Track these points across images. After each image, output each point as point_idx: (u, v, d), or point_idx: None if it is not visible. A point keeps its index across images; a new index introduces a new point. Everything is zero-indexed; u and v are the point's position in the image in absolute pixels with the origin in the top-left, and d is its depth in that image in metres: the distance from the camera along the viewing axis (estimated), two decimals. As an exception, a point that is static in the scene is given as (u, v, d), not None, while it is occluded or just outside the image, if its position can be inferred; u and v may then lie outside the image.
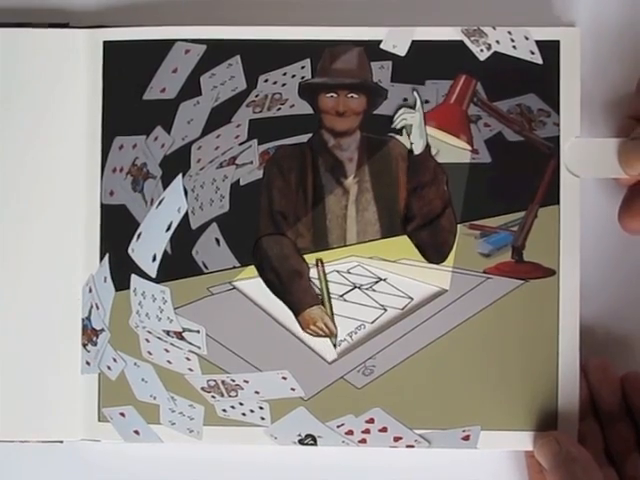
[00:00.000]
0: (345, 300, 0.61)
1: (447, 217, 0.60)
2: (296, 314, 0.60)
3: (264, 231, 0.61)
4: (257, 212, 0.60)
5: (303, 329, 0.60)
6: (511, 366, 0.60)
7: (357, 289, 0.61)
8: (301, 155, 0.60)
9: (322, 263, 0.60)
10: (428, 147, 0.60)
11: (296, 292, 0.60)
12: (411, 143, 0.60)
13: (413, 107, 0.60)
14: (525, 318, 0.60)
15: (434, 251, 0.60)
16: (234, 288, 0.61)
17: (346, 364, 0.61)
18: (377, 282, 0.61)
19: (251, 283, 0.61)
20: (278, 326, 0.61)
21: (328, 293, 0.60)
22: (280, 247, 0.60)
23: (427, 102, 0.61)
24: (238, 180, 0.61)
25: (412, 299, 0.61)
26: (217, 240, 0.61)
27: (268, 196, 0.60)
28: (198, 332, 0.61)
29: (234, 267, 0.61)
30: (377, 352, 0.60)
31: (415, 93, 0.60)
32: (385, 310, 0.61)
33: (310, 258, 0.61)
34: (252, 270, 0.61)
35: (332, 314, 0.60)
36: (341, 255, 0.61)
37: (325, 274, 0.60)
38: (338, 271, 0.61)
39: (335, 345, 0.59)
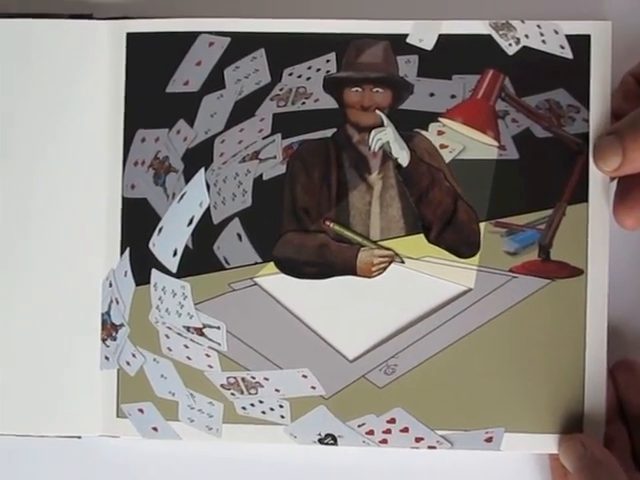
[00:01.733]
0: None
1: (462, 209, 0.60)
2: (354, 273, 0.59)
3: (287, 227, 0.61)
4: (280, 208, 0.61)
5: (370, 277, 0.59)
6: (536, 367, 0.60)
7: None
8: (325, 150, 0.60)
9: (328, 218, 0.60)
10: (413, 153, 0.60)
11: (335, 259, 0.60)
12: (396, 158, 0.60)
13: (382, 125, 0.60)
14: (551, 318, 0.59)
15: (464, 246, 0.60)
16: (255, 284, 0.61)
17: (368, 363, 0.61)
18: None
19: (273, 279, 0.61)
20: (299, 323, 0.60)
21: (359, 234, 0.60)
22: (300, 241, 0.61)
23: (454, 97, 0.61)
24: (261, 175, 0.61)
25: (436, 297, 0.61)
26: (239, 235, 0.61)
27: (291, 191, 0.60)
28: (218, 328, 0.61)
29: (256, 263, 0.61)
30: (400, 351, 0.60)
31: (378, 111, 0.61)
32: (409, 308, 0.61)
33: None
34: (273, 266, 0.61)
35: (376, 244, 0.60)
36: None
37: (342, 225, 0.60)
38: None
39: (403, 261, 0.59)
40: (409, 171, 0.59)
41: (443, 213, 0.60)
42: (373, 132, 0.59)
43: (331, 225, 0.59)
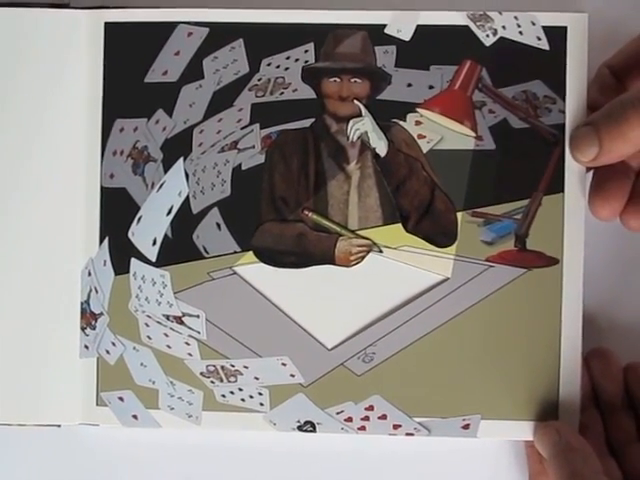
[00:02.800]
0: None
1: (439, 199, 0.60)
2: (332, 262, 0.60)
3: (266, 217, 0.61)
4: (258, 197, 0.61)
5: (348, 266, 0.60)
6: (512, 355, 0.60)
7: None
8: (303, 140, 0.60)
9: (307, 208, 0.60)
10: (391, 144, 0.60)
11: (314, 248, 0.60)
12: (373, 148, 0.60)
13: (360, 115, 0.60)
14: (527, 307, 0.60)
15: (441, 235, 0.61)
16: (235, 273, 0.61)
17: (346, 351, 0.61)
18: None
19: (252, 268, 0.61)
20: (278, 312, 0.61)
21: (336, 223, 0.60)
22: (279, 231, 0.61)
23: (432, 88, 0.61)
24: (240, 164, 0.61)
25: (413, 287, 0.61)
26: (218, 225, 0.61)
27: (270, 181, 0.61)
28: (198, 317, 0.61)
29: (235, 252, 0.61)
30: (378, 339, 0.61)
31: (356, 101, 0.61)
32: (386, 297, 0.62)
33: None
34: (252, 256, 0.62)
35: (354, 233, 0.60)
36: None
37: (320, 214, 0.61)
38: None
39: (381, 250, 0.60)
40: (387, 161, 0.60)
41: (420, 203, 0.60)
42: (351, 122, 0.59)
43: (309, 214, 0.60)
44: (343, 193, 0.61)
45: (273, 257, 0.61)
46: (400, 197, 0.60)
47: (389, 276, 0.61)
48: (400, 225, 0.61)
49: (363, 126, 0.59)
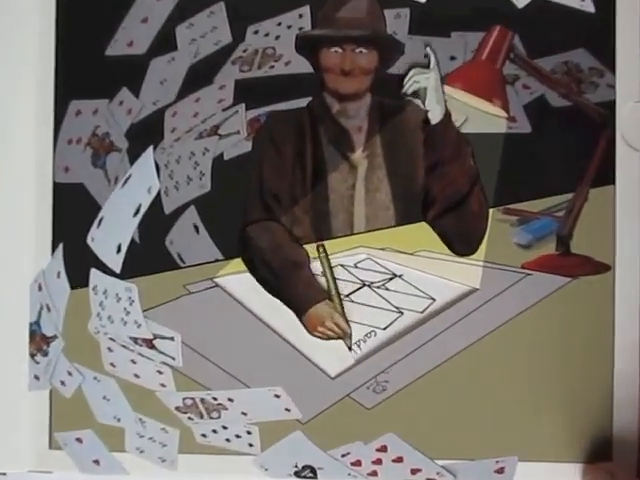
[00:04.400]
0: (352, 301, 0.58)
1: (475, 198, 0.56)
2: (299, 314, 0.57)
3: (253, 217, 0.58)
4: (245, 193, 0.58)
5: (310, 332, 0.57)
6: (555, 384, 0.56)
7: (366, 287, 0.58)
8: (299, 123, 0.57)
9: (324, 248, 0.57)
10: (448, 114, 0.56)
11: (296, 287, 0.57)
12: (427, 111, 0.56)
13: (427, 66, 0.56)
14: (572, 324, 0.56)
15: (462, 241, 0.57)
16: (216, 285, 0.58)
17: (353, 379, 0.58)
18: (391, 279, 0.58)
19: (237, 279, 0.58)
20: (270, 332, 0.58)
21: (335, 284, 0.57)
22: (272, 236, 0.58)
23: (453, 59, 0.57)
24: (222, 154, 0.58)
25: (434, 300, 0.57)
26: (196, 227, 0.58)
27: (258, 173, 0.58)
28: (172, 339, 0.58)
29: (216, 260, 0.58)
30: (391, 365, 0.58)
31: (429, 49, 0.56)
32: (401, 313, 0.57)
33: (308, 250, 0.58)
34: (239, 264, 0.58)
35: (342, 309, 0.57)
36: (347, 246, 0.58)
37: (329, 261, 0.57)
38: (343, 265, 0.58)
39: (350, 347, 0.57)
40: (436, 131, 0.56)
41: (453, 194, 0.57)
42: (413, 71, 0.55)
43: (321, 253, 0.57)
44: (347, 187, 0.57)
45: (263, 267, 0.58)
46: (433, 178, 0.57)
47: (404, 288, 0.57)
48: (417, 226, 0.57)
49: (426, 81, 0.55)
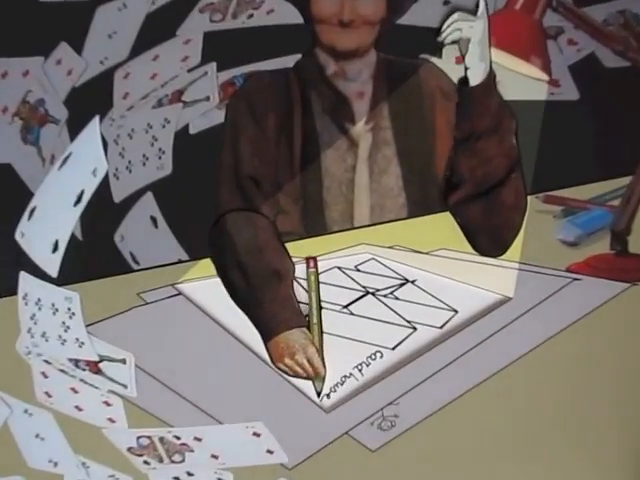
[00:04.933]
0: (351, 313, 0.52)
1: (512, 185, 0.51)
2: (266, 337, 0.51)
3: (226, 205, 0.51)
4: (216, 176, 0.52)
5: (274, 362, 0.52)
6: (610, 416, 0.53)
7: (370, 296, 0.52)
8: (284, 88, 0.51)
9: (315, 262, 0.51)
10: (492, 75, 0.50)
11: (270, 303, 0.51)
12: (466, 68, 0.50)
13: (473, 13, 0.50)
14: (630, 339, 0.52)
15: (491, 237, 0.51)
16: (180, 294, 0.52)
17: (353, 413, 0.52)
18: (402, 285, 0.53)
19: (206, 286, 0.52)
20: (248, 354, 0.52)
21: (319, 311, 0.52)
22: (251, 231, 0.52)
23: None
24: (186, 126, 0.52)
25: (456, 312, 0.52)
26: (153, 220, 0.52)
27: (233, 151, 0.51)
28: (123, 362, 0.52)
29: (180, 261, 0.52)
30: (401, 395, 0.52)
31: None
32: (414, 329, 0.52)
33: (296, 249, 0.51)
34: (208, 266, 0.52)
35: (321, 343, 0.51)
36: (346, 243, 0.52)
37: (318, 282, 0.52)
38: (341, 268, 0.52)
39: (319, 393, 0.52)
40: (474, 95, 0.50)
41: (485, 177, 0.51)
42: (455, 16, 0.50)
43: (311, 268, 0.51)
44: (346, 169, 0.51)
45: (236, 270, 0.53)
46: (464, 152, 0.51)
47: (419, 296, 0.52)
48: (435, 219, 0.52)
49: (470, 30, 0.50)
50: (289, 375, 0.53)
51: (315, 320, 0.53)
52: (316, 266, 0.53)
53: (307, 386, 0.53)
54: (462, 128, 0.52)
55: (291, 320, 0.52)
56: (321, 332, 0.52)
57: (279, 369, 0.54)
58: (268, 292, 0.53)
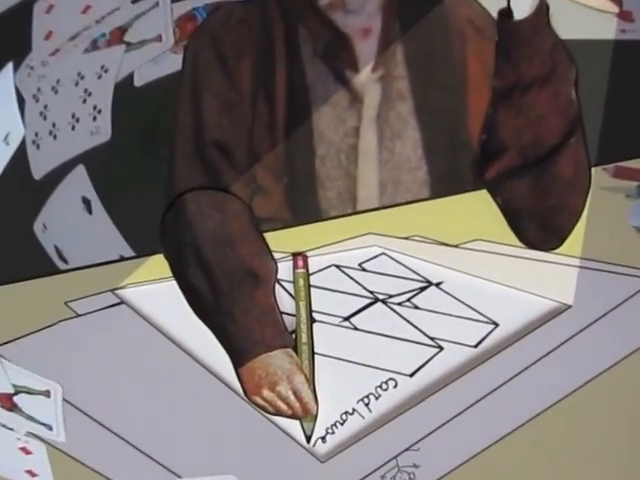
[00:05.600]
0: (355, 328, 0.43)
1: (572, 154, 0.42)
2: (237, 363, 0.43)
3: (185, 183, 0.43)
4: (172, 143, 0.44)
5: (247, 395, 0.43)
6: None
7: (381, 304, 0.43)
8: (262, 24, 0.44)
9: (305, 260, 0.43)
10: (544, 7, 0.42)
11: (243, 317, 0.43)
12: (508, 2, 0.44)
13: None
14: None
15: (542, 224, 0.43)
16: (121, 302, 0.44)
17: (356, 463, 0.44)
18: (423, 290, 0.43)
19: (157, 292, 0.44)
20: (214, 381, 0.43)
21: (309, 322, 0.43)
22: (218, 217, 0.43)
23: None
24: (130, 76, 0.44)
25: (496, 325, 0.43)
26: (86, 202, 0.44)
27: (194, 109, 0.43)
28: (47, 395, 0.44)
29: (123, 259, 0.44)
30: (423, 437, 0.43)
31: None
32: (440, 349, 0.43)
33: (279, 241, 0.43)
34: (159, 265, 0.43)
35: (312, 369, 0.43)
36: (347, 233, 0.44)
37: (308, 282, 0.44)
38: (340, 267, 0.44)
39: (309, 437, 0.43)
40: (520, 33, 0.42)
41: (535, 142, 0.42)
42: None
43: (300, 271, 0.43)
44: (347, 133, 0.43)
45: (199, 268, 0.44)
46: (506, 110, 0.42)
47: (446, 304, 0.43)
48: (467, 198, 0.44)
49: None
50: (268, 412, 0.44)
51: (304, 338, 0.44)
52: (306, 265, 0.44)
53: (294, 427, 0.44)
54: (503, 77, 0.45)
55: (272, 338, 0.43)
56: (312, 354, 0.44)
57: (255, 404, 0.45)
58: (240, 300, 0.44)
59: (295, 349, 0.44)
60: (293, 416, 0.43)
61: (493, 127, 0.44)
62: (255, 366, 0.43)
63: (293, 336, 0.45)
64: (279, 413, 0.44)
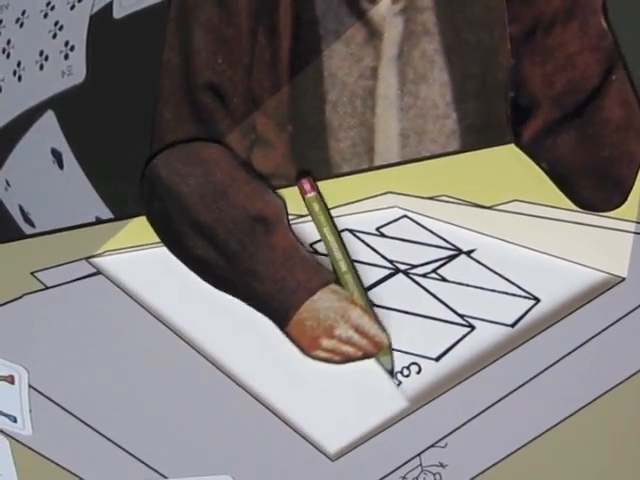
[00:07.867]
0: (373, 304, 0.39)
1: (616, 92, 0.39)
2: (282, 322, 0.38)
3: (171, 132, 0.40)
4: (156, 86, 0.40)
5: (307, 352, 0.39)
6: None
7: (402, 275, 0.40)
8: None
9: (311, 184, 0.38)
10: None
11: (267, 269, 0.39)
12: None
13: None
14: None
15: (598, 181, 0.39)
16: (98, 272, 0.40)
17: (372, 461, 0.40)
18: (452, 259, 0.40)
19: (140, 260, 0.40)
20: (207, 365, 0.39)
21: (342, 247, 0.39)
22: (199, 171, 0.40)
23: None
24: (109, 6, 0.40)
25: (538, 301, 0.38)
26: (57, 155, 0.40)
27: (183, 45, 0.40)
28: (11, 381, 0.41)
29: (99, 221, 0.40)
30: (451, 432, 0.40)
31: None
32: (471, 328, 0.39)
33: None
34: (142, 228, 0.40)
35: (366, 296, 0.38)
36: (364, 193, 0.40)
37: (329, 213, 0.38)
38: (355, 232, 0.39)
39: (392, 371, 0.38)
40: None
41: (571, 88, 0.38)
42: None
43: (310, 195, 0.39)
44: (363, 74, 0.39)
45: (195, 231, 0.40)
46: (531, 56, 0.38)
47: (478, 276, 0.39)
48: (503, 151, 0.39)
49: None
50: (337, 363, 0.39)
51: (344, 267, 0.39)
52: (316, 188, 0.39)
53: (305, 422, 0.39)
54: (520, 19, 0.41)
55: (308, 280, 0.39)
56: (360, 282, 0.39)
57: (318, 359, 0.40)
58: (258, 252, 0.40)
59: (338, 283, 0.39)
60: (365, 356, 0.39)
61: (520, 81, 0.40)
62: (302, 318, 0.39)
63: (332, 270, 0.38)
64: (349, 359, 0.39)
